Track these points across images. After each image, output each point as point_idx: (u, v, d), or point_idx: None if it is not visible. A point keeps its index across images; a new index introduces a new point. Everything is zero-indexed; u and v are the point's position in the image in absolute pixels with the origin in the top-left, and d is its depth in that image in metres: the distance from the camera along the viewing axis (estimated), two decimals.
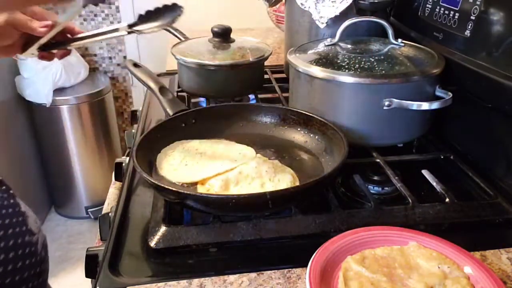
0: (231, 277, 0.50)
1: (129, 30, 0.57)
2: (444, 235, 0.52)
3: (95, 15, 2.20)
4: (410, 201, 0.60)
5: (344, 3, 0.83)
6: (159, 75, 1.14)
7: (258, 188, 0.59)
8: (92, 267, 0.55)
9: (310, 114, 0.72)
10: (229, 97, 0.94)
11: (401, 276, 0.47)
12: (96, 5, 0.54)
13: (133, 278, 0.50)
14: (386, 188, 0.68)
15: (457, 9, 0.71)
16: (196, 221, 0.61)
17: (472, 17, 0.67)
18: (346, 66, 0.70)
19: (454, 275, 0.46)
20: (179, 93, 1.00)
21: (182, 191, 0.55)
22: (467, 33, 0.68)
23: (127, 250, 0.55)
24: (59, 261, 1.96)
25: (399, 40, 0.78)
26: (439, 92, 0.70)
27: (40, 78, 1.91)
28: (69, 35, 0.66)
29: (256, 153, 0.68)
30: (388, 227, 0.53)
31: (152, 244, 0.54)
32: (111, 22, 2.21)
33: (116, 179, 0.86)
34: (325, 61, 0.74)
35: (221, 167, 0.63)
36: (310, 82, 0.72)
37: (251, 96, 1.00)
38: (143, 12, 0.54)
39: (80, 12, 0.55)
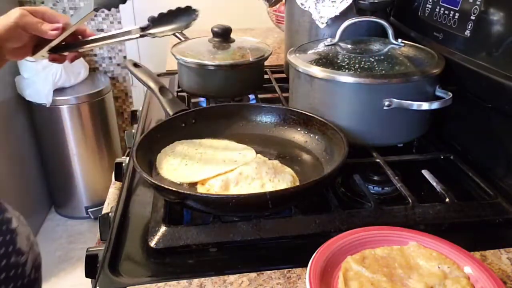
0: (231, 277, 0.50)
1: (142, 33, 0.56)
2: (444, 235, 0.52)
3: (95, 15, 2.20)
4: (410, 201, 0.60)
5: (344, 3, 0.83)
6: (159, 75, 1.14)
7: (258, 189, 0.59)
8: (92, 267, 0.55)
9: (310, 114, 0.72)
10: (229, 97, 0.94)
11: (401, 276, 0.47)
12: (108, 9, 0.54)
13: (133, 278, 0.50)
14: (386, 188, 0.68)
15: (457, 9, 0.71)
16: (196, 221, 0.61)
17: (472, 17, 0.67)
18: (346, 66, 0.70)
19: (454, 275, 0.46)
20: (179, 93, 1.00)
21: (182, 191, 0.55)
22: (467, 33, 0.68)
23: (127, 250, 0.55)
24: (59, 261, 1.96)
25: (399, 40, 0.78)
26: (439, 92, 0.70)
27: (40, 78, 1.91)
28: (80, 37, 0.65)
29: (256, 153, 0.68)
30: (388, 227, 0.53)
31: (152, 244, 0.54)
32: (111, 22, 2.21)
33: (116, 179, 0.86)
34: (325, 61, 0.74)
35: (221, 168, 0.63)
36: (310, 82, 0.72)
37: (251, 96, 1.00)
38: (156, 15, 0.53)
39: (92, 15, 0.55)
